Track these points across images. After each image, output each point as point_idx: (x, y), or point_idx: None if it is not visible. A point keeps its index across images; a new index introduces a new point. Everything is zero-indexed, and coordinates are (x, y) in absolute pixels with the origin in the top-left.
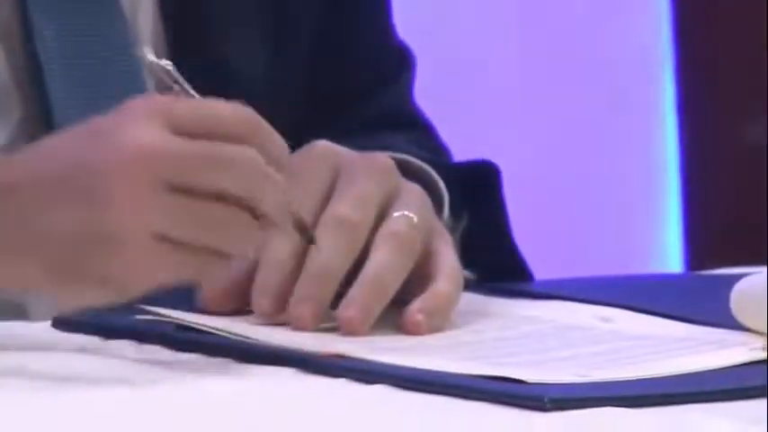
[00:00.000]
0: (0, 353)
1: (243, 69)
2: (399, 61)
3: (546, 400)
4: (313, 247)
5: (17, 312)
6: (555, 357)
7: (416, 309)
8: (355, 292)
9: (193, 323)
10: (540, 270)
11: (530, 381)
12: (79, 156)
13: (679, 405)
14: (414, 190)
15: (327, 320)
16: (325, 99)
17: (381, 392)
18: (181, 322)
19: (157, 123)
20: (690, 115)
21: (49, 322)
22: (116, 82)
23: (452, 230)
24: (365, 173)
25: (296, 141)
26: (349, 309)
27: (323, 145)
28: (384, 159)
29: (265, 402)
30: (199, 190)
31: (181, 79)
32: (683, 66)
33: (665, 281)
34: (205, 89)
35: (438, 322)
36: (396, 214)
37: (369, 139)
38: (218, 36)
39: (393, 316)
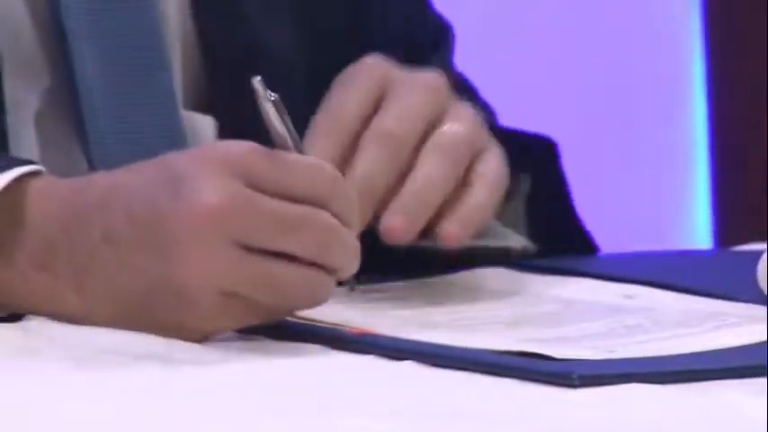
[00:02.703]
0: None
1: (273, 44)
2: (439, 31)
3: (575, 376)
4: (355, 161)
5: None
6: (582, 334)
7: (451, 219)
8: (398, 201)
9: None
10: None
11: (558, 357)
12: (155, 209)
13: (707, 381)
14: (463, 105)
15: (366, 291)
16: None
17: (410, 369)
18: None
19: (234, 176)
20: (719, 90)
21: None
22: (140, 51)
23: (512, 190)
24: (414, 88)
25: None
26: (391, 217)
27: (372, 60)
28: (434, 76)
29: (292, 379)
30: (269, 251)
31: (284, 113)
32: (712, 40)
33: (692, 257)
34: (234, 64)
35: (471, 231)
36: (444, 127)
37: None
38: (246, 11)
39: (423, 290)
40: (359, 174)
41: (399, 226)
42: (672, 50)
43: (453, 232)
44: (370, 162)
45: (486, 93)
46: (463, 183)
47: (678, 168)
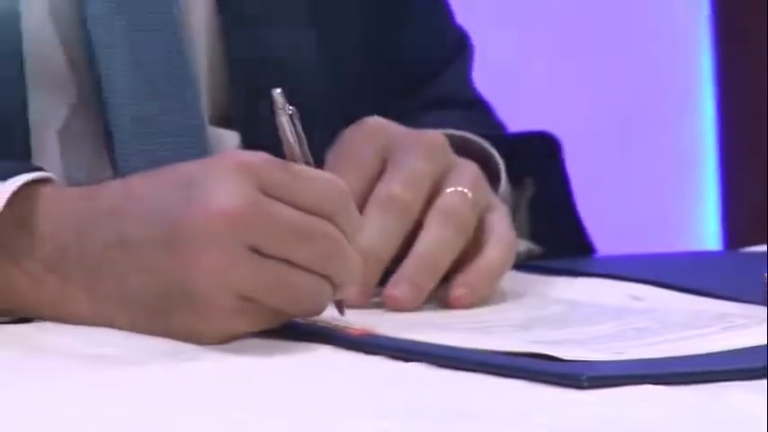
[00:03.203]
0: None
1: (297, 61)
2: (458, 43)
3: (583, 378)
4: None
5: None
6: (590, 336)
7: (459, 282)
8: (405, 269)
9: None
10: None
11: (566, 358)
12: (170, 212)
13: (715, 383)
14: (466, 165)
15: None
16: (386, 81)
17: (416, 370)
18: None
19: (248, 183)
20: (728, 91)
21: None
22: (167, 66)
23: (516, 200)
24: (416, 150)
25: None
26: (397, 286)
27: (373, 122)
28: (435, 136)
29: (292, 379)
30: (279, 258)
31: (299, 127)
32: (721, 40)
33: (700, 258)
34: (255, 77)
35: (482, 294)
36: (448, 190)
37: (423, 118)
38: (271, 26)
39: (429, 292)
40: (365, 240)
41: (405, 296)
42: (680, 52)
43: (462, 298)
44: (377, 228)
45: (493, 93)
46: (472, 245)
47: (687, 170)
